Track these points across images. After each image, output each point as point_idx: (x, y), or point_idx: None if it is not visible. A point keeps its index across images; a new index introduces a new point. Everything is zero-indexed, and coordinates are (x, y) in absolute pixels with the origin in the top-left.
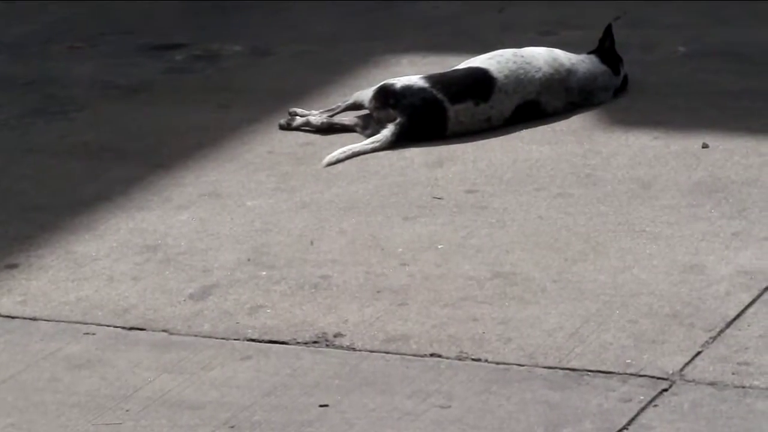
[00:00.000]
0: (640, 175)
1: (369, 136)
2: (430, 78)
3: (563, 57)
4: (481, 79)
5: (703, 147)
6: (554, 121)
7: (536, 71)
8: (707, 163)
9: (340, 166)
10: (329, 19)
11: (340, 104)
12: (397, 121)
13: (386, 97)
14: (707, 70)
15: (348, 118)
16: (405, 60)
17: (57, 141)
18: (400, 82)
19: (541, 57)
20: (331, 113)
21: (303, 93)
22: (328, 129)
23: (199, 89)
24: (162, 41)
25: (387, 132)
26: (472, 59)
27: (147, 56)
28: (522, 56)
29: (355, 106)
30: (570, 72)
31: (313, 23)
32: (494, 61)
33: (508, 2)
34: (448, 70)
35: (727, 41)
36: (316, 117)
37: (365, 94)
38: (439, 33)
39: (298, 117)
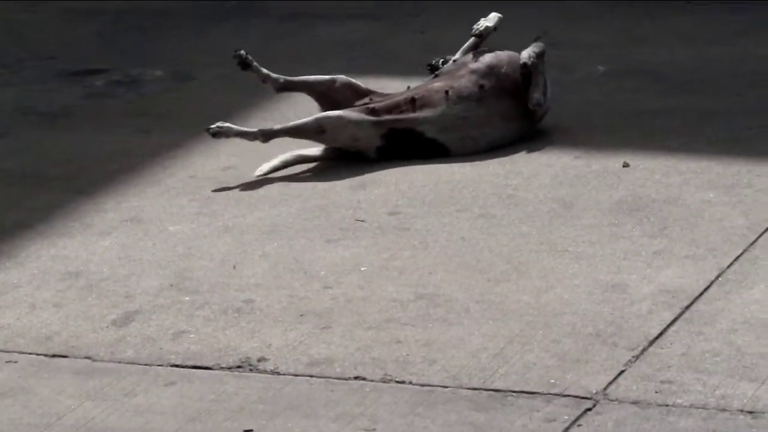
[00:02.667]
0: (561, 195)
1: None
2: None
3: None
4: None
5: (623, 166)
6: None
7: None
8: (628, 182)
9: (261, 189)
10: (251, 42)
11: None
12: None
13: None
14: (626, 90)
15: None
16: None
17: None
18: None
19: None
20: None
21: (225, 117)
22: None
23: (119, 114)
24: (82, 67)
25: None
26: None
27: (67, 82)
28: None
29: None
30: None
31: (235, 47)
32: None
33: (428, 23)
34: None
35: (645, 60)
36: None
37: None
38: (361, 55)
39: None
